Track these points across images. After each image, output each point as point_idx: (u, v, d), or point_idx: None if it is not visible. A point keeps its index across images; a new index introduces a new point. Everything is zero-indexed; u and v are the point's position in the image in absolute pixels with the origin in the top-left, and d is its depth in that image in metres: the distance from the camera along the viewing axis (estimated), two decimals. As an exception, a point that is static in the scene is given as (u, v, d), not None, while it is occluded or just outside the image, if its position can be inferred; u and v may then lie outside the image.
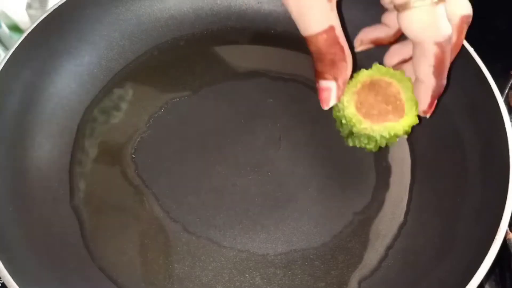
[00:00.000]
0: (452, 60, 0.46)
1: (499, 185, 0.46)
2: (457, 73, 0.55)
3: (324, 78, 0.46)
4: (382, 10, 0.61)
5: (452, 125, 0.54)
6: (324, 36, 0.43)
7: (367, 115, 0.47)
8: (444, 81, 0.45)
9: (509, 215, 0.44)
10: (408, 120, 0.47)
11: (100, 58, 0.60)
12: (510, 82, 0.56)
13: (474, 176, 0.50)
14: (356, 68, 0.49)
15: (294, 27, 0.63)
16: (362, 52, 0.55)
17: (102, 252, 0.49)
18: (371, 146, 0.48)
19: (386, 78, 0.48)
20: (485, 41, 0.62)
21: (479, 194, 0.49)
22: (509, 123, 0.48)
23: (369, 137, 0.47)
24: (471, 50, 0.53)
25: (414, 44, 0.43)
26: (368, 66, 0.50)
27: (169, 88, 0.59)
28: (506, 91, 0.55)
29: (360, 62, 0.52)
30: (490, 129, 0.50)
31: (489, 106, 0.50)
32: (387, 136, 0.46)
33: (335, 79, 0.46)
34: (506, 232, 0.43)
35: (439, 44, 0.40)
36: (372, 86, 0.48)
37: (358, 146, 0.49)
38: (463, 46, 0.53)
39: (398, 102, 0.47)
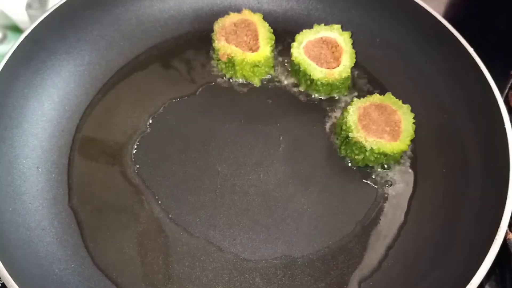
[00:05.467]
0: None
1: (499, 185, 0.46)
2: (457, 73, 0.55)
3: None
4: (383, 10, 0.61)
5: (452, 125, 0.54)
6: None
7: (365, 127, 0.52)
8: None
9: (509, 215, 0.44)
10: (399, 146, 0.51)
11: (100, 58, 0.60)
12: (510, 82, 0.55)
13: (474, 176, 0.50)
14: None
15: (294, 26, 0.63)
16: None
17: (102, 252, 0.49)
18: (359, 158, 0.53)
19: (394, 106, 0.54)
20: (485, 41, 0.62)
21: (479, 194, 0.49)
22: (509, 123, 0.48)
23: (360, 148, 0.52)
24: (471, 50, 0.53)
25: None
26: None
27: (169, 88, 0.59)
28: (506, 91, 0.55)
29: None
30: (490, 129, 0.50)
31: (489, 106, 0.50)
32: (376, 151, 0.51)
33: None
34: (506, 232, 0.43)
35: None
36: (379, 107, 0.54)
37: (348, 155, 0.54)
38: (463, 46, 0.53)
39: (396, 128, 0.52)
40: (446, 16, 0.56)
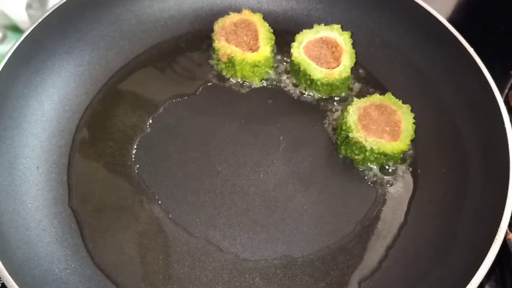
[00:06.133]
0: None
1: (499, 185, 0.46)
2: (457, 73, 0.55)
3: None
4: (383, 10, 0.61)
5: (452, 125, 0.54)
6: None
7: (365, 127, 0.52)
8: None
9: (509, 215, 0.44)
10: (400, 146, 0.51)
11: (100, 58, 0.60)
12: (510, 82, 0.55)
13: (474, 176, 0.50)
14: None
15: (294, 26, 0.63)
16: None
17: (102, 252, 0.49)
18: (360, 158, 0.53)
19: (394, 106, 0.54)
20: (485, 41, 0.62)
21: (479, 194, 0.49)
22: (509, 123, 0.48)
23: (360, 148, 0.52)
24: (471, 50, 0.53)
25: None
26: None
27: (169, 88, 0.59)
28: (506, 91, 0.55)
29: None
30: (490, 129, 0.50)
31: (489, 106, 0.50)
32: (376, 151, 0.51)
33: None
34: (506, 232, 0.43)
35: None
36: (379, 106, 0.54)
37: (348, 155, 0.54)
38: (463, 46, 0.53)
39: (396, 128, 0.52)
40: (452, 17, 0.56)
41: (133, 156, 0.54)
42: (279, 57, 0.61)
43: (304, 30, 0.58)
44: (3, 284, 0.44)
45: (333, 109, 0.58)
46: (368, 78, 0.60)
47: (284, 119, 0.57)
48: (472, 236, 0.46)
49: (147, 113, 0.57)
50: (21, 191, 0.50)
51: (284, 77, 0.60)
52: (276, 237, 0.50)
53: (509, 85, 0.55)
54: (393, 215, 0.51)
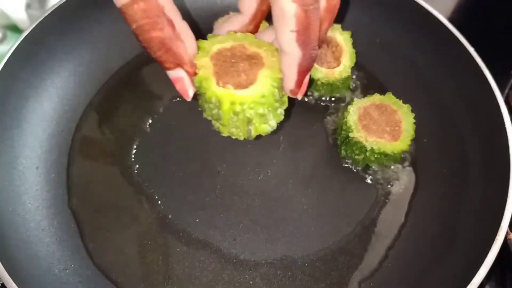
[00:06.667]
0: (326, 28, 0.37)
1: (500, 185, 0.46)
2: (457, 73, 0.55)
3: (168, 68, 0.37)
4: (383, 10, 0.61)
5: (452, 125, 0.54)
6: (142, 5, 0.32)
7: (366, 127, 0.52)
8: (314, 53, 0.34)
9: (510, 215, 0.44)
10: (400, 145, 0.51)
11: (100, 58, 0.60)
12: (510, 82, 0.56)
13: (475, 176, 0.50)
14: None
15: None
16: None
17: (102, 252, 0.49)
18: (360, 158, 0.53)
19: (394, 106, 0.54)
20: (485, 41, 0.62)
21: (480, 194, 0.49)
22: (509, 123, 0.48)
23: (361, 148, 0.52)
24: (471, 50, 0.53)
25: (272, 5, 0.33)
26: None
27: (169, 88, 0.59)
28: (506, 91, 0.55)
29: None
30: (490, 129, 0.50)
31: (489, 106, 0.50)
32: (377, 151, 0.51)
33: (179, 65, 0.37)
34: (507, 233, 0.43)
35: (300, 3, 0.31)
36: (379, 106, 0.54)
37: (349, 155, 0.54)
38: (463, 45, 0.53)
39: (397, 128, 0.52)
40: (452, 17, 0.56)
41: (133, 156, 0.54)
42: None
43: None
44: (3, 284, 0.44)
45: (333, 109, 0.58)
46: (368, 78, 0.60)
47: (284, 119, 0.57)
48: (473, 236, 0.46)
49: (147, 113, 0.57)
50: (21, 191, 0.50)
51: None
52: (276, 237, 0.50)
53: (509, 85, 0.55)
54: (393, 215, 0.51)
